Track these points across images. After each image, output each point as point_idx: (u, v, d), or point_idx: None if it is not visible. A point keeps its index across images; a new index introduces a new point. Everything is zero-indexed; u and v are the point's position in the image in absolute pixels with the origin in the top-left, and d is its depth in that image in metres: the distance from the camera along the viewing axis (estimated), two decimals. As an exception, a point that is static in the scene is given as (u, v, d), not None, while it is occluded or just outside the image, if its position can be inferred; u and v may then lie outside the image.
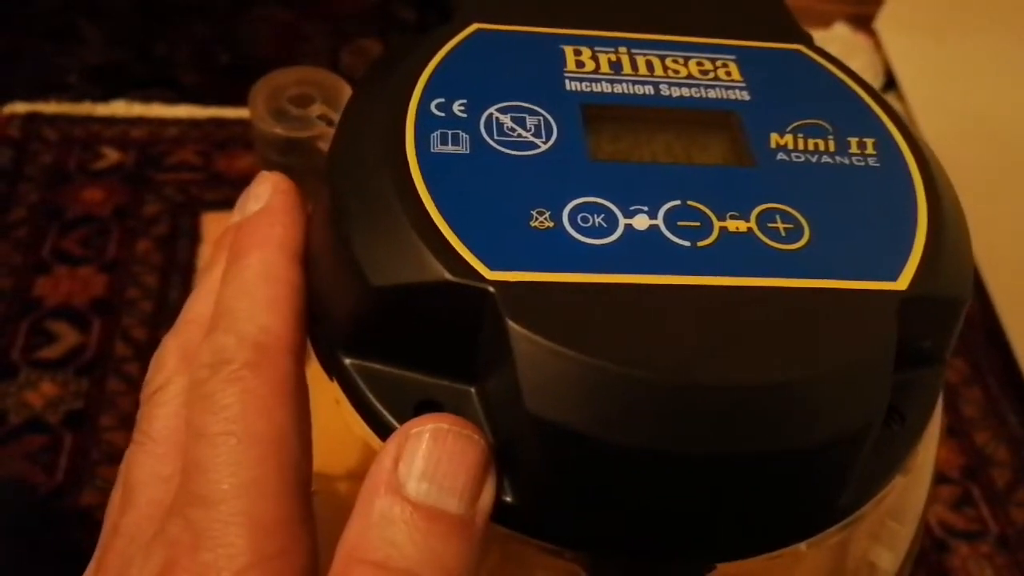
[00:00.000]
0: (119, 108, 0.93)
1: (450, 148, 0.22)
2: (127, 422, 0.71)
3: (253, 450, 0.18)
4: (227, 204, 0.84)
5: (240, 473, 0.18)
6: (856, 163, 0.24)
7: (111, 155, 0.89)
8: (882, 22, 1.07)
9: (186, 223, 0.84)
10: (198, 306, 0.22)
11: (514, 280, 0.20)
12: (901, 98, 1.03)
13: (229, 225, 0.22)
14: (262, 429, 0.19)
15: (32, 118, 0.91)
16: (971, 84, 0.94)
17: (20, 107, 0.92)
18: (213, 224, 0.83)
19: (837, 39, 1.08)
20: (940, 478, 0.79)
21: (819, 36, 1.09)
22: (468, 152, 0.22)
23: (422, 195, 0.21)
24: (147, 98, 0.95)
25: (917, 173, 0.24)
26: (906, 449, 0.23)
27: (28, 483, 0.68)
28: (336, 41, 1.05)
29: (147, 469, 0.20)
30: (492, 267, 0.20)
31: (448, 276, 0.20)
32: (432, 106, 0.23)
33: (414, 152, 0.22)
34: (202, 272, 0.22)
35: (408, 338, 0.21)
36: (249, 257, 0.21)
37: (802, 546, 0.22)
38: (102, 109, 0.93)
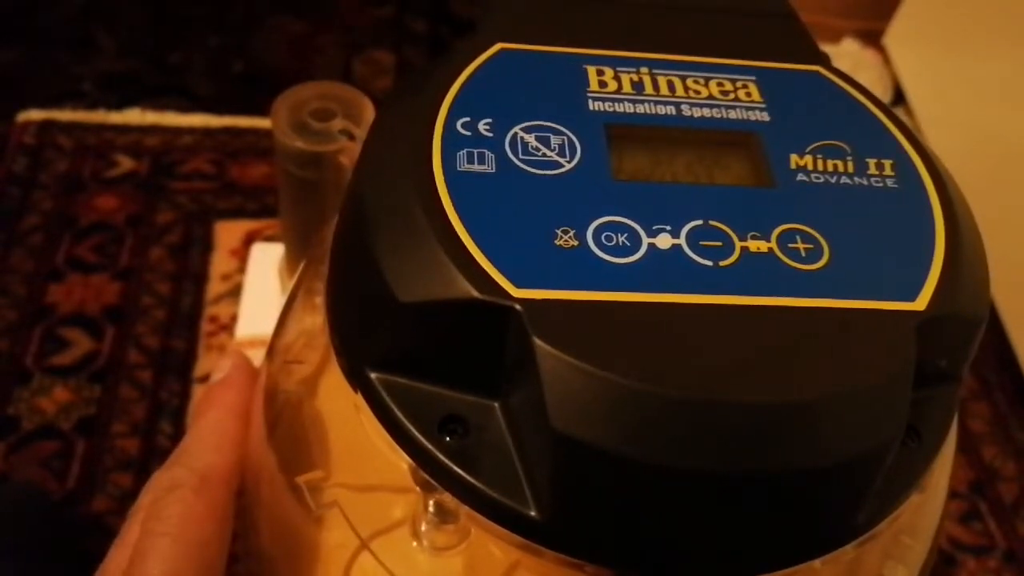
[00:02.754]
0: (133, 116, 0.93)
1: (476, 167, 0.22)
2: (139, 429, 0.71)
3: (181, 548, 0.24)
4: (240, 213, 0.85)
5: (167, 563, 0.24)
6: (875, 184, 0.24)
7: (125, 163, 0.89)
8: (891, 37, 1.08)
9: (199, 231, 0.84)
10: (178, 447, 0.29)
11: (540, 298, 0.20)
12: (910, 113, 1.03)
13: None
14: (191, 535, 0.25)
15: (47, 126, 0.91)
16: (980, 99, 0.95)
17: (35, 115, 0.92)
18: (226, 233, 0.84)
19: (846, 54, 1.09)
20: (948, 493, 0.79)
21: (828, 51, 1.09)
22: (494, 171, 0.22)
23: (449, 213, 0.21)
24: (161, 106, 0.96)
25: (934, 194, 0.24)
26: (922, 467, 0.23)
27: (41, 489, 0.68)
28: (349, 52, 1.06)
29: (115, 562, 0.25)
30: (518, 285, 0.20)
31: (475, 293, 0.20)
32: (458, 125, 0.23)
33: (441, 170, 0.22)
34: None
35: (434, 353, 0.21)
36: (207, 414, 0.28)
37: (817, 563, 0.22)
38: (116, 117, 0.93)
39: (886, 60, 1.08)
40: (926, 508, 0.27)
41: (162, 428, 0.71)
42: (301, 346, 0.29)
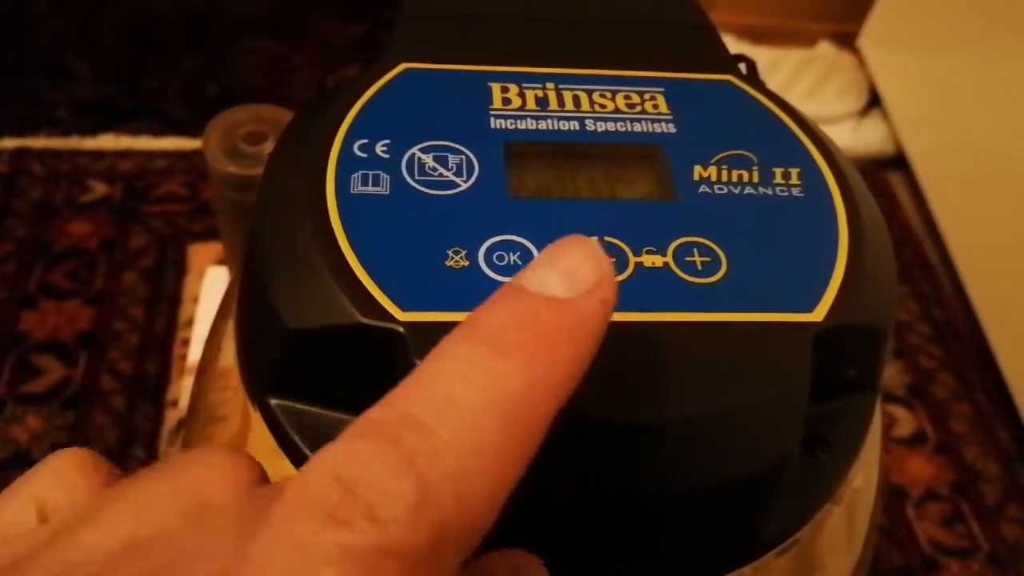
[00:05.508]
0: (107, 141, 0.93)
1: (370, 189, 0.22)
2: (112, 455, 0.71)
3: None
4: (214, 235, 0.85)
5: None
6: (780, 194, 0.24)
7: (98, 188, 0.89)
8: (865, 40, 1.08)
9: (172, 255, 0.84)
10: None
11: (425, 320, 0.20)
12: (885, 114, 1.03)
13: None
14: None
15: (20, 153, 0.91)
16: (955, 100, 0.95)
17: (8, 142, 0.92)
18: (199, 255, 0.84)
19: (822, 58, 1.08)
20: (930, 495, 0.78)
21: (804, 55, 1.09)
22: (388, 193, 0.22)
23: (339, 237, 0.21)
24: (135, 131, 0.95)
25: (841, 203, 0.24)
26: (835, 477, 0.23)
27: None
28: (323, 71, 1.06)
29: None
30: (404, 308, 0.20)
31: (360, 318, 0.20)
32: (355, 147, 0.23)
33: (334, 194, 0.22)
34: None
35: (329, 379, 0.21)
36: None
37: (747, 571, 0.22)
38: (90, 143, 0.93)
39: (861, 63, 1.08)
40: (854, 517, 0.27)
41: (135, 453, 0.71)
42: (231, 369, 0.29)
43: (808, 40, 1.12)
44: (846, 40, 1.10)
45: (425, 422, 0.14)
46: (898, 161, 1.01)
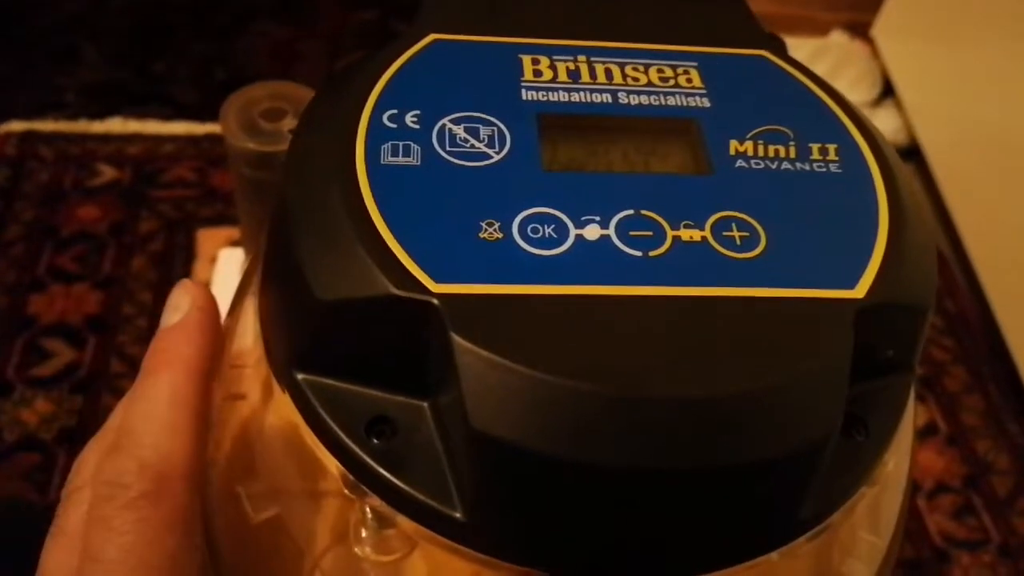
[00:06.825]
0: (115, 125, 0.93)
1: (401, 160, 0.22)
2: (121, 439, 0.70)
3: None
4: (222, 220, 0.85)
5: None
6: (817, 169, 0.23)
7: (107, 172, 0.89)
8: (879, 29, 1.07)
9: (181, 239, 0.84)
10: (121, 414, 0.23)
11: (460, 293, 0.19)
12: (898, 104, 1.02)
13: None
14: (154, 559, 0.20)
15: (28, 136, 0.91)
16: (968, 90, 0.94)
17: (17, 126, 0.92)
18: (208, 240, 0.83)
19: (835, 47, 1.08)
20: (941, 487, 0.78)
21: (817, 44, 1.08)
22: (419, 164, 0.22)
23: (370, 208, 0.20)
24: (144, 115, 0.95)
25: (880, 180, 0.23)
26: (871, 459, 0.22)
27: (25, 502, 0.68)
28: (332, 56, 1.06)
29: (58, 559, 0.21)
30: (438, 280, 0.19)
31: (393, 290, 0.19)
32: (384, 118, 0.23)
33: (364, 164, 0.21)
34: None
35: (359, 353, 0.20)
36: (158, 376, 0.22)
37: (774, 556, 0.22)
38: (98, 127, 0.93)
39: (875, 52, 1.07)
40: (884, 502, 0.27)
41: (144, 438, 0.71)
42: (251, 348, 0.28)
43: (821, 29, 1.11)
44: (859, 29, 1.10)
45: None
46: (911, 151, 1.00)
